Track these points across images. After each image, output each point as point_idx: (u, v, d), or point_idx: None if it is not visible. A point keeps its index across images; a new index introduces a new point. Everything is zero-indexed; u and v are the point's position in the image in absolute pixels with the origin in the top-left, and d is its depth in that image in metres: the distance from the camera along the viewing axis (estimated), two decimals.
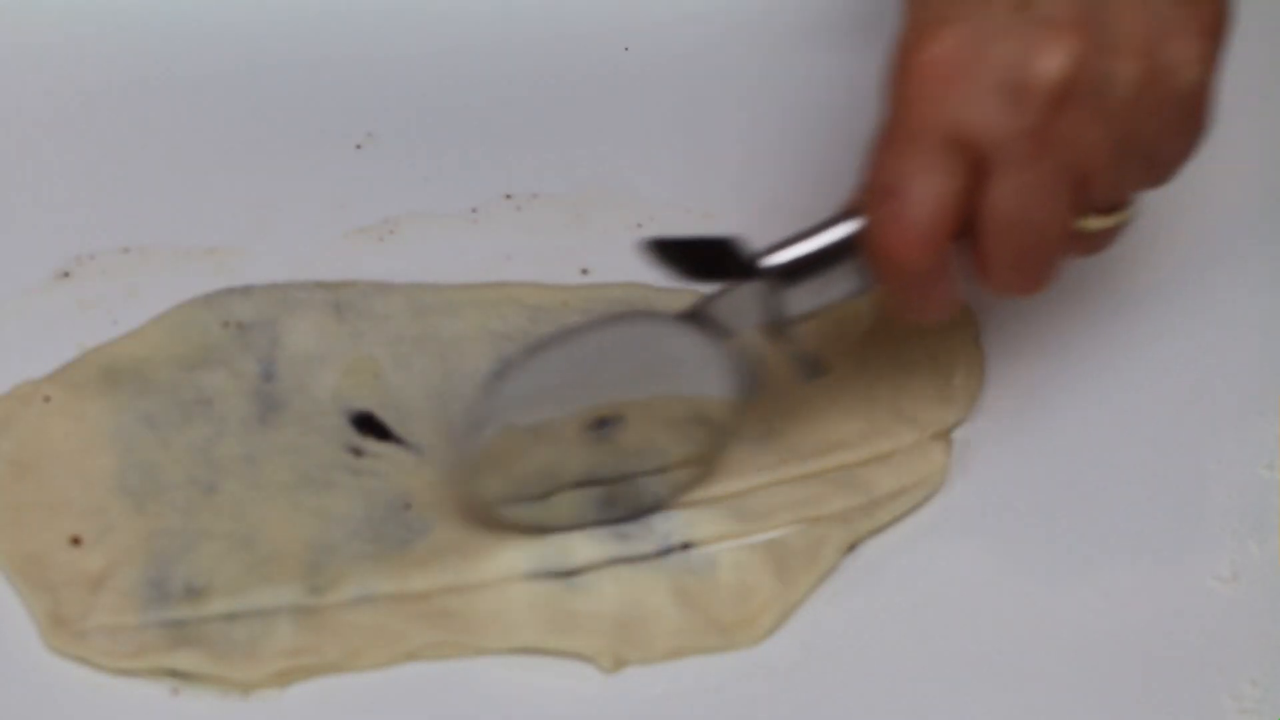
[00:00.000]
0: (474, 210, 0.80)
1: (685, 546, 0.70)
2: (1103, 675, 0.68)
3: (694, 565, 0.70)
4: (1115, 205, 0.67)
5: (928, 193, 0.64)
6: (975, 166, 0.64)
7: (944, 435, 0.73)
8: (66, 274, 0.77)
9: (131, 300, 0.76)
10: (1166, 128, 0.65)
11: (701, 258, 0.67)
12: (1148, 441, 0.73)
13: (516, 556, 0.70)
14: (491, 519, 0.70)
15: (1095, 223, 0.67)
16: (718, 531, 0.71)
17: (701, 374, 0.69)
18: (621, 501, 0.70)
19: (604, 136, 0.82)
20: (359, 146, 0.81)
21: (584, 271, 0.78)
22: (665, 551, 0.70)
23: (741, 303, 0.67)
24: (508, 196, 0.80)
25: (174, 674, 0.67)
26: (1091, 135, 0.64)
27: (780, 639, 0.69)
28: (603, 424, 0.69)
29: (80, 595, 0.68)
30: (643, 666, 0.68)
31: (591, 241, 0.79)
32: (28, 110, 0.81)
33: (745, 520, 0.71)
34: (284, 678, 0.68)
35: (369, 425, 0.73)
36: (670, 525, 0.71)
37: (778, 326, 0.68)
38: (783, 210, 0.77)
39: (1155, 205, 0.79)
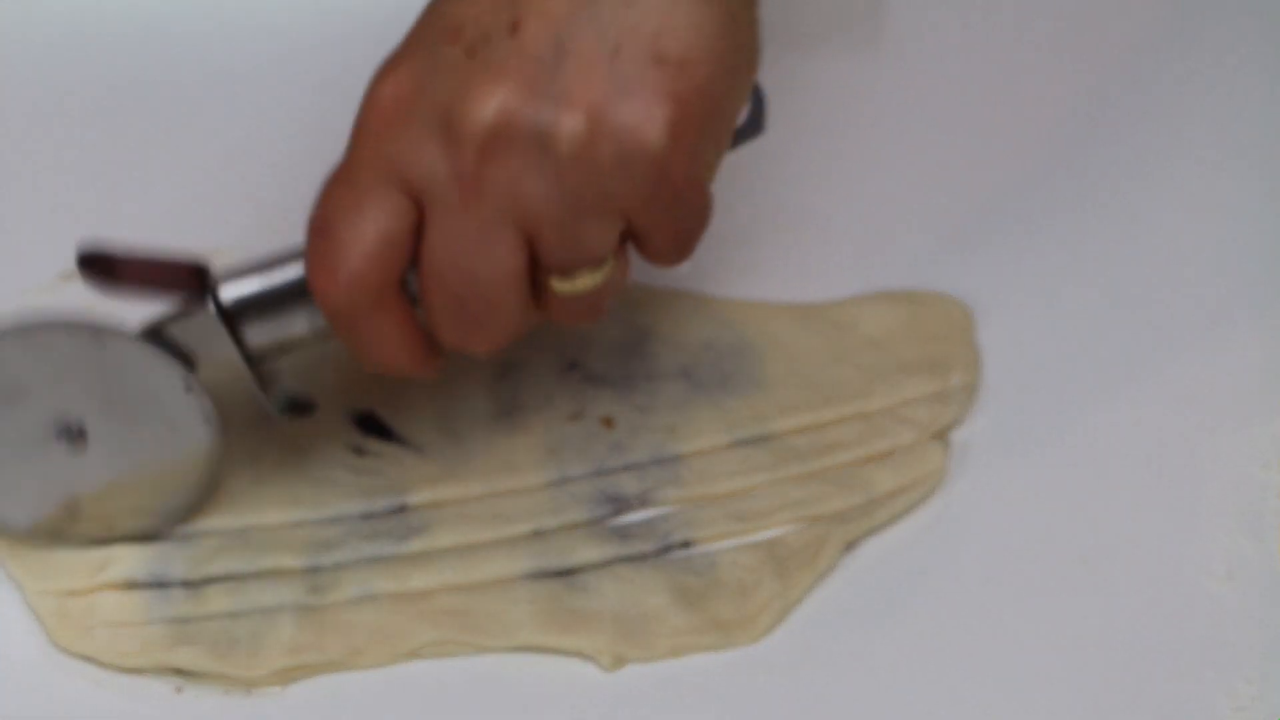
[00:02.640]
0: None
1: (685, 545, 0.71)
2: (1099, 674, 0.68)
3: (694, 564, 0.70)
4: (578, 267, 0.64)
5: (359, 233, 0.62)
6: (419, 210, 0.62)
7: (943, 435, 0.73)
8: (67, 275, 0.77)
9: (131, 300, 0.76)
10: (635, 192, 0.62)
11: (157, 274, 0.66)
12: (1145, 441, 0.73)
13: (517, 556, 0.70)
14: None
15: (562, 285, 0.64)
16: (718, 530, 0.71)
17: (167, 402, 0.67)
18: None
19: None
20: None
21: None
22: (665, 550, 0.70)
23: (202, 329, 0.65)
24: None
25: (177, 671, 0.67)
26: (532, 187, 0.61)
27: (780, 638, 0.69)
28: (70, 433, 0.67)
29: (84, 593, 0.68)
30: (643, 665, 0.68)
31: None
32: (28, 110, 0.81)
33: (745, 519, 0.71)
34: (286, 676, 0.68)
35: (371, 424, 0.73)
36: (670, 524, 0.71)
37: (249, 358, 0.66)
38: (783, 210, 0.78)
39: (1156, 205, 0.79)
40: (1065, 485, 0.72)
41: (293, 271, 0.66)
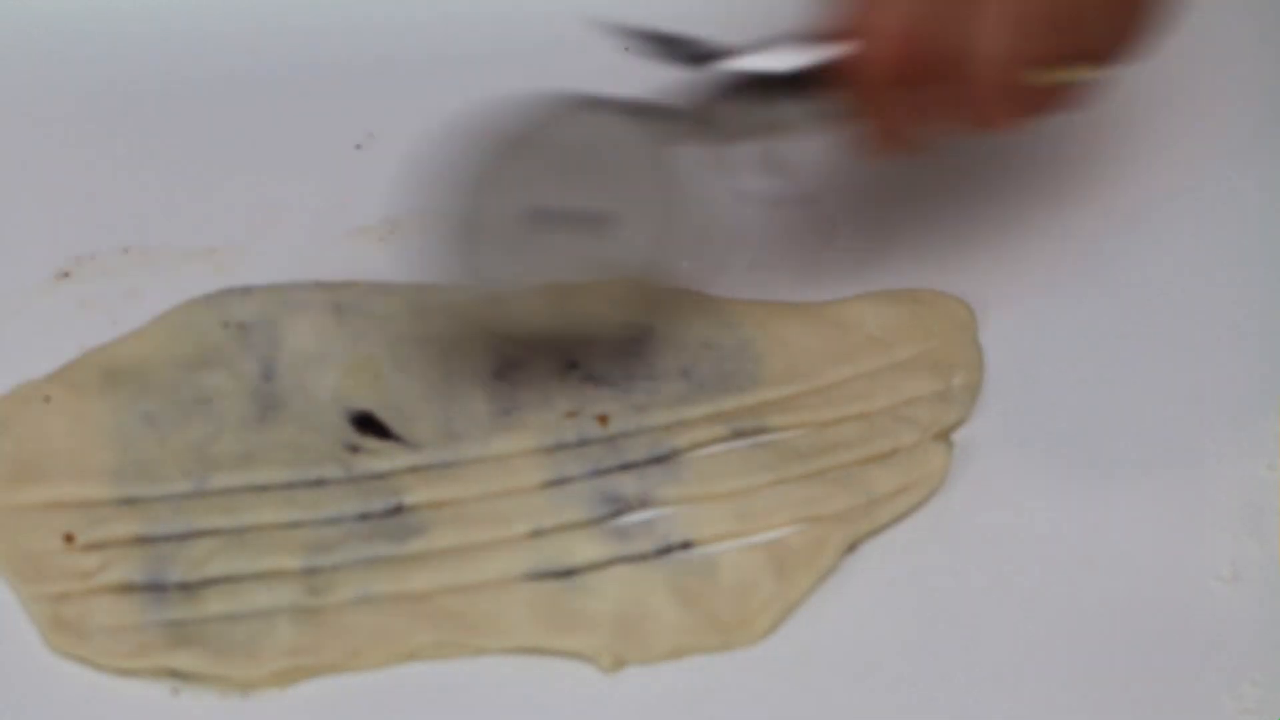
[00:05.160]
0: None
1: (685, 546, 0.70)
2: (1103, 675, 0.68)
3: (694, 565, 0.70)
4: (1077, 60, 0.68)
5: (900, 12, 0.66)
6: None
7: (944, 435, 0.73)
8: (66, 274, 0.77)
9: (131, 300, 0.76)
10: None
11: (669, 50, 0.70)
12: (1148, 441, 0.73)
13: (516, 556, 0.70)
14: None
15: (1062, 75, 0.68)
16: (718, 531, 0.71)
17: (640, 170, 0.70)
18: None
19: None
20: (359, 146, 0.81)
21: None
22: (665, 551, 0.70)
23: (736, 109, 0.69)
24: None
25: (174, 674, 0.67)
26: None
27: (780, 639, 0.69)
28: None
29: (80, 595, 0.68)
30: (643, 666, 0.68)
31: None
32: (28, 110, 0.81)
33: (745, 520, 0.71)
34: (284, 677, 0.68)
35: (369, 425, 0.73)
36: (670, 524, 0.71)
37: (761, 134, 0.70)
38: (783, 210, 0.77)
39: (1156, 205, 0.79)
40: (1068, 486, 0.72)
41: (815, 55, 0.69)
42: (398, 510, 0.71)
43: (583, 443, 0.72)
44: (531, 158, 0.69)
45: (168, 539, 0.70)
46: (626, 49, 0.72)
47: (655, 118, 0.69)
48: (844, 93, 0.68)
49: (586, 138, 0.69)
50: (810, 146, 0.73)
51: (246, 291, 0.76)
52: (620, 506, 0.71)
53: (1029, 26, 0.67)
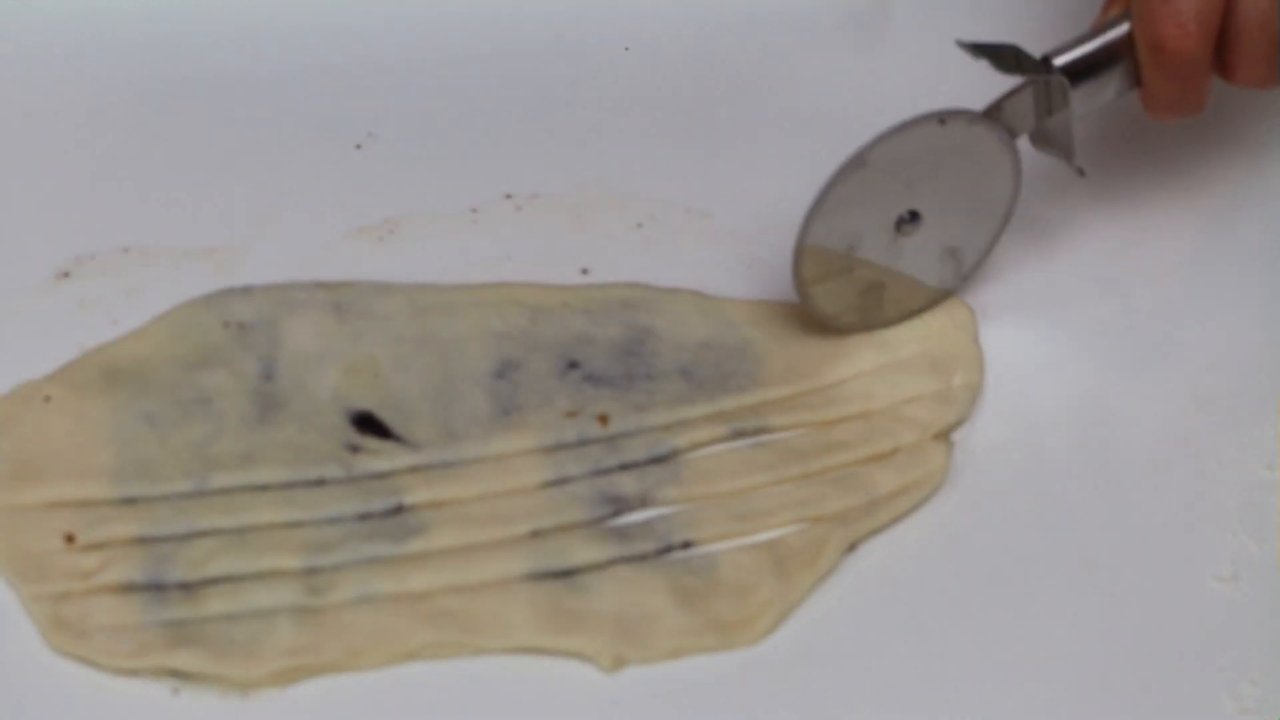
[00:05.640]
0: (474, 210, 0.80)
1: (685, 546, 0.70)
2: (1103, 675, 0.68)
3: (694, 565, 0.70)
4: None
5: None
6: None
7: (944, 435, 0.73)
8: (66, 274, 0.77)
9: (131, 300, 0.76)
10: None
11: (999, 57, 0.75)
12: (1148, 441, 0.73)
13: (516, 556, 0.70)
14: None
15: None
16: (718, 531, 0.71)
17: (993, 170, 0.75)
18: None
19: (604, 136, 0.82)
20: (359, 146, 0.81)
21: (584, 271, 0.78)
22: (665, 551, 0.70)
23: (1026, 103, 0.74)
24: (508, 196, 0.80)
25: (174, 674, 0.67)
26: None
27: (780, 639, 0.69)
28: (902, 221, 0.74)
29: (80, 595, 0.68)
30: (643, 666, 0.68)
31: (591, 241, 0.79)
32: (28, 110, 0.81)
33: (745, 520, 0.71)
34: (284, 677, 0.68)
35: (369, 425, 0.73)
36: (670, 524, 0.71)
37: (1047, 129, 0.75)
38: (783, 210, 0.77)
39: (1156, 205, 0.79)
40: (1068, 485, 0.72)
41: (1110, 35, 0.74)
42: (398, 510, 0.71)
43: (583, 443, 0.72)
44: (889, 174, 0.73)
45: (168, 539, 0.70)
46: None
47: (996, 123, 0.74)
48: (1147, 72, 0.74)
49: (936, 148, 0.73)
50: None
51: (246, 291, 0.76)
52: (620, 506, 0.71)
53: None
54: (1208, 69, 0.74)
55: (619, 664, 0.68)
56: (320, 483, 0.71)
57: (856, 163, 0.72)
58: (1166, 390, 0.74)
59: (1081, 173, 0.75)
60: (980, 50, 0.75)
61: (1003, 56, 0.75)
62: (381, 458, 0.72)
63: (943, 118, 0.73)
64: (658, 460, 0.72)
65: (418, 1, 0.84)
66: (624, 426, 0.72)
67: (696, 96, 0.84)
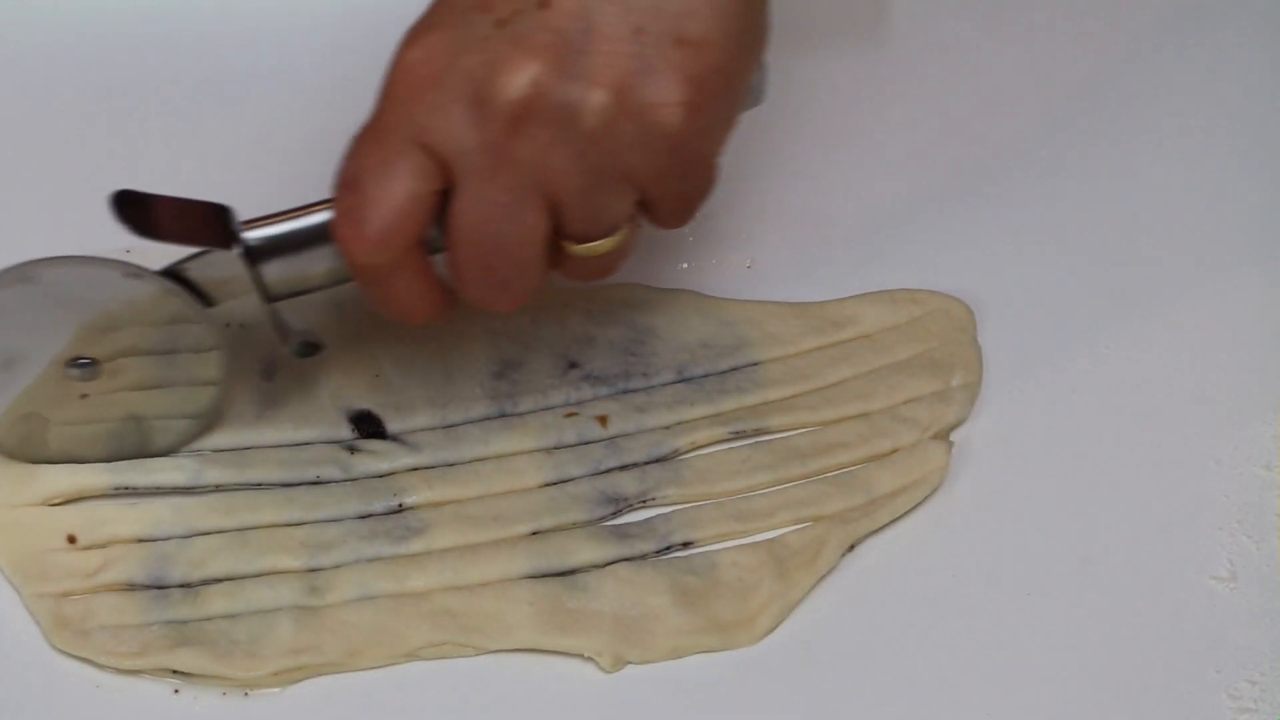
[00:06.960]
0: None
1: (685, 545, 0.71)
2: (1101, 674, 0.68)
3: (694, 565, 0.70)
4: (597, 233, 0.66)
5: (387, 192, 0.64)
6: (446, 174, 0.64)
7: (944, 435, 0.73)
8: None
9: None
10: (651, 166, 0.64)
11: (184, 219, 0.68)
12: (1146, 441, 0.73)
13: (516, 556, 0.70)
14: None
15: (579, 249, 0.66)
16: (718, 531, 0.71)
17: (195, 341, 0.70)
18: (127, 440, 0.71)
19: None
20: None
21: None
22: (665, 550, 0.70)
23: (221, 270, 0.68)
24: None
25: (176, 673, 0.67)
26: (557, 159, 0.63)
27: (780, 639, 0.69)
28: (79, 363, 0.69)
29: (82, 594, 0.68)
30: (643, 666, 0.69)
31: None
32: (27, 110, 0.81)
33: (745, 520, 0.71)
34: (285, 677, 0.68)
35: (368, 424, 0.73)
36: (670, 524, 0.71)
37: (267, 300, 0.68)
38: (783, 210, 0.77)
39: (1156, 205, 0.79)
40: (1067, 485, 0.72)
41: (309, 220, 0.67)
42: (398, 510, 0.71)
43: (583, 443, 0.72)
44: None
45: (169, 538, 0.70)
46: None
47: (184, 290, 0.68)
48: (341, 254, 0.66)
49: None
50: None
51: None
52: (620, 506, 0.71)
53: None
54: (413, 275, 0.66)
55: (619, 663, 0.68)
56: (320, 483, 0.71)
57: (20, 275, 0.67)
58: (1166, 390, 0.74)
59: (308, 353, 0.70)
60: (134, 207, 0.67)
61: (179, 219, 0.67)
62: (381, 458, 0.72)
63: (134, 272, 0.67)
64: (658, 460, 0.72)
65: (418, 2, 0.84)
66: (624, 427, 0.73)
67: None
